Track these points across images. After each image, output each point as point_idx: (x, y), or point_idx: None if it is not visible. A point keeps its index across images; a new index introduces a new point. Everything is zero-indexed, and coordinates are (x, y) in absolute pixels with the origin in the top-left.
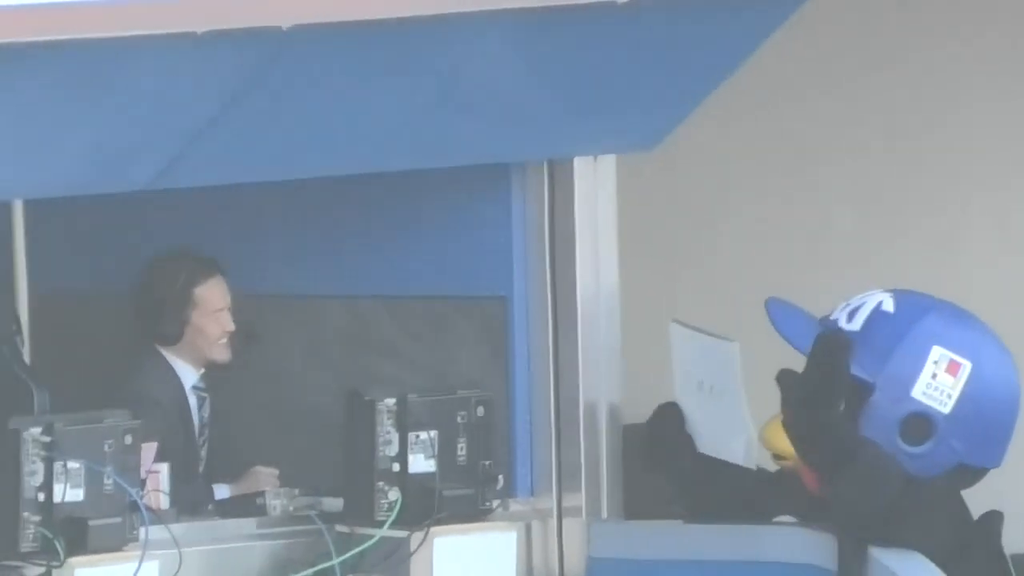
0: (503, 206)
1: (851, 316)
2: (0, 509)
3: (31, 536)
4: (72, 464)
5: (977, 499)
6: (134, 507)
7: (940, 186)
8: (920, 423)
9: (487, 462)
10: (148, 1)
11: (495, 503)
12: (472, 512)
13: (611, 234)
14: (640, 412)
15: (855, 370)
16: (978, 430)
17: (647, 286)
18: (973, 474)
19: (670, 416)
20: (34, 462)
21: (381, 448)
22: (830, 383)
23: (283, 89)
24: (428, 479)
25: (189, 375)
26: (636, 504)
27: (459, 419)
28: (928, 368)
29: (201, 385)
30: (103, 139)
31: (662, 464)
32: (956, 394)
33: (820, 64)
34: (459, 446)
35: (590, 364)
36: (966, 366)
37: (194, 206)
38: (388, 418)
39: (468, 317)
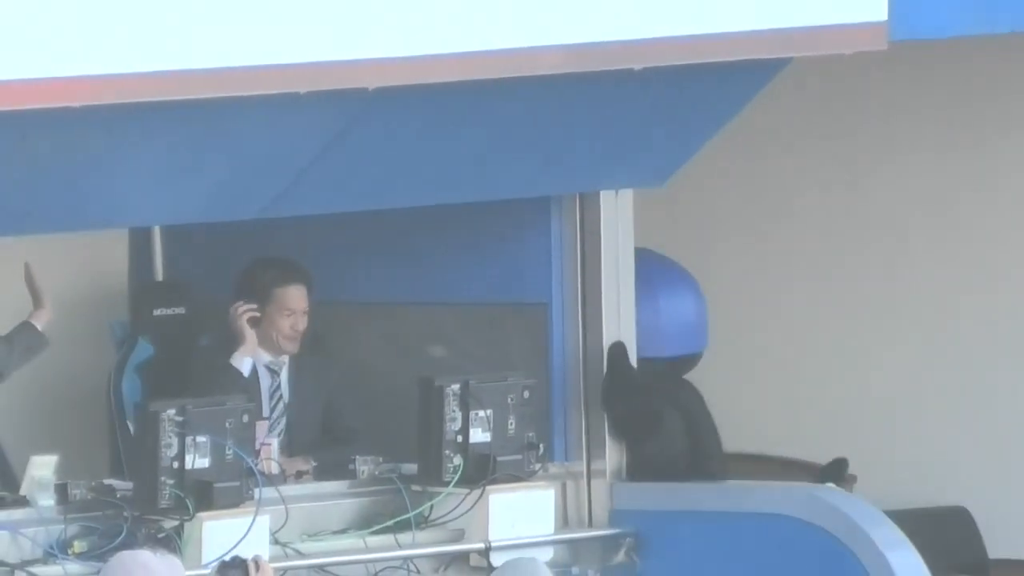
0: (544, 231)
1: None
2: (143, 475)
3: (167, 496)
4: (200, 438)
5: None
6: (250, 472)
7: (881, 218)
8: None
9: (531, 434)
10: (258, 68)
11: (538, 467)
12: (520, 474)
13: (629, 253)
14: None
15: None
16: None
17: None
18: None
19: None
20: (170, 437)
21: (447, 424)
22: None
23: (367, 138)
24: (485, 448)
25: (263, 356)
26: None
27: (510, 400)
28: None
29: (273, 367)
30: (222, 179)
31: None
32: None
33: (795, 121)
34: (509, 422)
35: None
36: None
37: (300, 230)
38: (453, 400)
39: (516, 319)
